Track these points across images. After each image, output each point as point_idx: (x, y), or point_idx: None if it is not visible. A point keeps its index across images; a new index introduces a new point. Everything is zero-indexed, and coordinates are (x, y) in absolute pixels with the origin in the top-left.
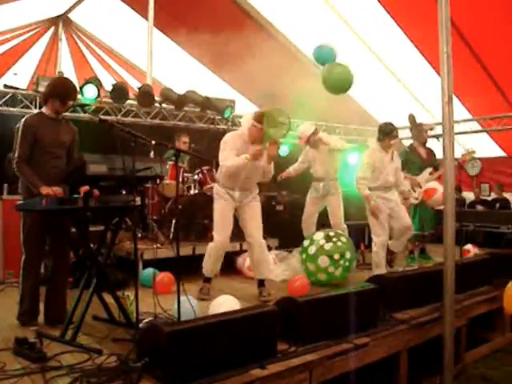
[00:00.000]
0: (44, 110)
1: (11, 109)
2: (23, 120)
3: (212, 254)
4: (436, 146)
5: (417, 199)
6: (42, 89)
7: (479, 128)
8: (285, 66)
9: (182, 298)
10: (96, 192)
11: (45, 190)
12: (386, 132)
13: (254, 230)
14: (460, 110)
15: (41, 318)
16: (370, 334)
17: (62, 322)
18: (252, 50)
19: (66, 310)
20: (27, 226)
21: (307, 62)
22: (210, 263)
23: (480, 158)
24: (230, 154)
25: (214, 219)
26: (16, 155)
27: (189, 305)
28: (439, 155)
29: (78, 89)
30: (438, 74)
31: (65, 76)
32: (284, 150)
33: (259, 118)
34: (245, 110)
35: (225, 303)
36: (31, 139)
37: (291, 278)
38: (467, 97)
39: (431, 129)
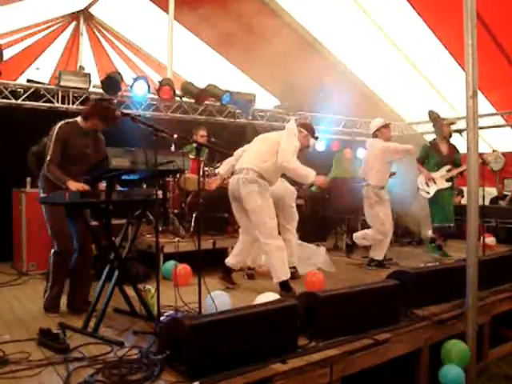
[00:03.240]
0: (80, 120)
1: (34, 103)
2: (58, 126)
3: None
4: (459, 140)
5: (428, 193)
6: (64, 83)
7: (503, 122)
8: (308, 60)
9: (215, 292)
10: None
11: (72, 184)
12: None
13: None
14: (484, 104)
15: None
16: (391, 330)
17: (83, 311)
18: (273, 44)
19: (88, 300)
20: (54, 218)
21: (331, 58)
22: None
23: (503, 153)
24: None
25: (264, 218)
26: (48, 158)
27: (220, 299)
28: (463, 150)
29: (100, 83)
30: (463, 68)
31: (106, 98)
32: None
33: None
34: (266, 103)
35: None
36: (62, 146)
37: (308, 272)
38: (491, 91)
39: (452, 123)
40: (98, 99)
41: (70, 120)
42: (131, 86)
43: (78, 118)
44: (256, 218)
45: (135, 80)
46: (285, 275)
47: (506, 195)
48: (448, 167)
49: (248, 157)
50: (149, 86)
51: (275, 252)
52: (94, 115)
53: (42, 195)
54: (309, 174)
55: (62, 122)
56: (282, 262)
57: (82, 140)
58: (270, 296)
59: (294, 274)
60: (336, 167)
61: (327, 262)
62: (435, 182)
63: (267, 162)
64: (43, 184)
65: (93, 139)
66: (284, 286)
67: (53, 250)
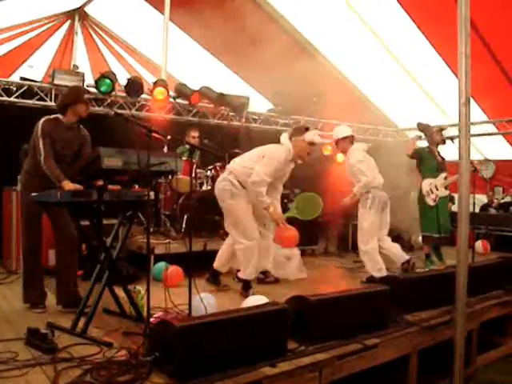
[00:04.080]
0: (61, 117)
1: (27, 101)
2: (41, 122)
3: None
4: (451, 148)
5: (434, 201)
6: (57, 81)
7: (495, 130)
8: (301, 64)
9: (201, 294)
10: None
11: (67, 185)
12: None
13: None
14: (476, 112)
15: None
16: (381, 335)
17: (73, 305)
18: (268, 47)
19: (78, 293)
20: (26, 214)
21: (324, 62)
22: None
23: (494, 161)
24: (269, 177)
25: (235, 221)
26: (42, 155)
27: (206, 301)
28: (455, 157)
29: (94, 82)
30: (456, 74)
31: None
32: None
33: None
34: (259, 106)
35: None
36: (48, 139)
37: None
38: (484, 98)
39: (442, 129)
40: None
41: (52, 116)
42: (125, 86)
43: (59, 115)
44: (230, 217)
45: (100, 77)
46: (249, 276)
47: (497, 203)
48: (444, 174)
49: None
50: (143, 87)
51: (244, 252)
52: (70, 103)
53: (20, 191)
54: (266, 204)
55: (44, 118)
56: (248, 262)
57: (66, 135)
58: (259, 299)
59: (266, 278)
60: (297, 207)
61: (300, 268)
62: (437, 189)
63: (245, 168)
64: (26, 181)
65: (77, 134)
66: (245, 285)
67: (22, 248)
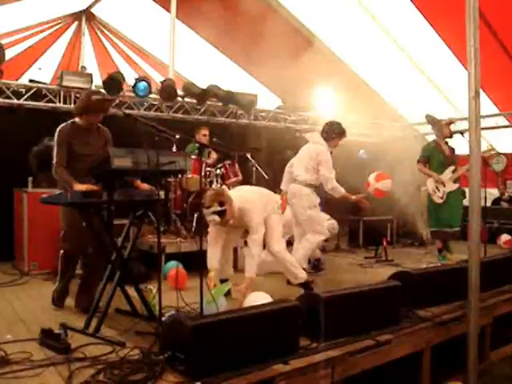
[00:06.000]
0: (77, 120)
1: (36, 103)
2: (58, 130)
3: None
4: (461, 141)
5: (442, 198)
6: (66, 83)
7: (506, 123)
8: (310, 60)
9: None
10: None
11: (77, 186)
12: (340, 131)
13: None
14: (486, 104)
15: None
16: (393, 331)
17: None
18: (277, 44)
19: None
20: (67, 220)
21: (333, 58)
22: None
23: (505, 154)
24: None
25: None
26: (54, 161)
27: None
28: (465, 151)
29: (102, 84)
30: (465, 67)
31: (95, 90)
32: None
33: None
34: (268, 103)
35: (257, 300)
36: (65, 146)
37: None
38: (494, 91)
39: (451, 123)
40: (89, 93)
41: (69, 121)
42: (133, 87)
43: (77, 119)
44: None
45: (137, 80)
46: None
47: (510, 196)
48: (452, 168)
49: None
50: (150, 87)
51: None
52: (87, 111)
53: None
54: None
55: (61, 125)
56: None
57: (84, 138)
58: (262, 296)
59: None
60: None
61: None
62: (444, 185)
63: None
64: (60, 186)
65: (96, 134)
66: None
67: (62, 251)
